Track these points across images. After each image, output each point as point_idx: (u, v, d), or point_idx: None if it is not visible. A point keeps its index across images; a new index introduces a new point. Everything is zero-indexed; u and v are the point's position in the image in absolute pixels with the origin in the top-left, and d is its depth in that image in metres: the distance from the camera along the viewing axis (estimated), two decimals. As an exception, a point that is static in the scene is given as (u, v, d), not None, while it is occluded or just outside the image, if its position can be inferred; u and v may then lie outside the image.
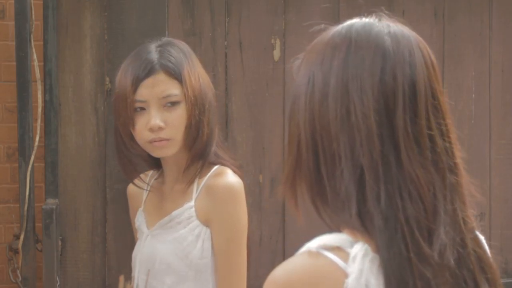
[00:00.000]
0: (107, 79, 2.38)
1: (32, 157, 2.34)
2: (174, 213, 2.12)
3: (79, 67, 2.38)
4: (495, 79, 2.63)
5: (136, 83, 2.10)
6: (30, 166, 2.33)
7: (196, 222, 2.09)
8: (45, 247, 2.30)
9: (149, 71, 2.10)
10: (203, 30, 2.44)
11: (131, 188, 2.28)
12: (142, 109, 2.10)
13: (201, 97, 2.12)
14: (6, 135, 2.69)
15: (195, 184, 2.13)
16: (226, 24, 2.45)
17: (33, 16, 2.36)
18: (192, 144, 2.11)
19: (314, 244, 1.12)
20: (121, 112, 2.11)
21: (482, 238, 1.20)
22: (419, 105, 1.13)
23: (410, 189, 1.11)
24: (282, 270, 1.11)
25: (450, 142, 1.16)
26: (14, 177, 2.67)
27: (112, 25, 2.38)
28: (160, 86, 2.09)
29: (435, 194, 1.13)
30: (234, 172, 2.13)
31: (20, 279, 2.37)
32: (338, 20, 1.24)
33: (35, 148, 2.35)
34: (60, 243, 2.36)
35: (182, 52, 2.15)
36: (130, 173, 2.22)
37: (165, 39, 2.21)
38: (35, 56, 2.36)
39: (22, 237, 2.34)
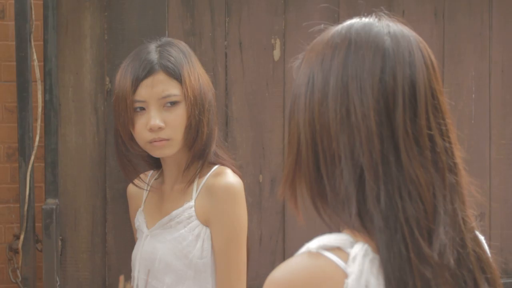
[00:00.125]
0: (107, 79, 2.38)
1: (32, 157, 2.34)
2: (174, 212, 2.12)
3: (79, 67, 2.38)
4: (495, 79, 2.63)
5: (136, 83, 2.10)
6: (30, 166, 2.33)
7: (195, 222, 2.10)
8: (45, 247, 2.30)
9: (149, 71, 2.10)
10: (203, 30, 2.44)
11: (131, 188, 2.28)
12: (142, 109, 2.11)
13: (200, 97, 2.12)
14: (6, 135, 2.69)
15: (194, 184, 2.13)
16: (226, 24, 2.45)
17: (33, 16, 2.36)
18: (191, 144, 2.12)
19: (314, 244, 1.12)
20: (120, 112, 2.11)
21: (482, 238, 1.20)
22: (419, 105, 1.13)
23: (410, 189, 1.11)
24: (282, 271, 1.11)
25: (450, 142, 1.16)
26: (14, 177, 2.67)
27: (112, 25, 2.38)
28: (159, 86, 2.09)
29: (435, 194, 1.13)
30: (234, 172, 2.13)
31: (20, 279, 2.37)
32: (338, 20, 1.25)
33: (35, 148, 2.35)
34: (60, 243, 2.36)
35: (181, 52, 2.16)
36: (130, 173, 2.22)
37: (164, 39, 2.22)
38: (35, 56, 2.36)
39: (22, 237, 2.34)
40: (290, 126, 1.20)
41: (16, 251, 2.37)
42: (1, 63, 2.70)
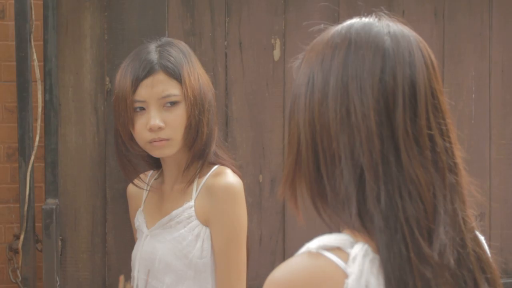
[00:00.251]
0: (107, 79, 2.38)
1: (32, 157, 2.34)
2: (174, 212, 2.12)
3: (79, 67, 2.38)
4: (495, 79, 2.63)
5: (136, 83, 2.10)
6: (30, 166, 2.33)
7: (195, 222, 2.10)
8: (45, 247, 2.30)
9: (149, 71, 2.10)
10: (203, 30, 2.44)
11: (130, 188, 2.28)
12: (142, 109, 2.11)
13: (200, 97, 2.12)
14: (6, 135, 2.69)
15: (194, 184, 2.13)
16: (226, 24, 2.45)
17: (33, 16, 2.36)
18: (191, 144, 2.12)
19: (314, 244, 1.12)
20: (120, 112, 2.11)
21: (482, 238, 1.20)
22: (419, 105, 1.13)
23: (410, 189, 1.11)
24: (282, 271, 1.11)
25: (450, 142, 1.16)
26: (14, 177, 2.67)
27: (112, 25, 2.38)
28: (159, 86, 2.09)
29: (435, 194, 1.13)
30: (234, 172, 2.13)
31: (20, 279, 2.37)
32: (338, 20, 1.25)
33: (35, 148, 2.35)
34: (60, 243, 2.36)
35: (181, 52, 2.16)
36: (130, 173, 2.22)
37: (164, 39, 2.22)
38: (35, 56, 2.36)
39: (22, 237, 2.34)
40: (290, 126, 1.20)
41: (16, 251, 2.37)
42: (1, 63, 2.69)
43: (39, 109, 2.35)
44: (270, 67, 2.47)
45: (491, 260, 1.18)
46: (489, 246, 1.23)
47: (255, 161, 2.47)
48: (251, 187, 2.44)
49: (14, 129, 2.52)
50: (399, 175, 1.11)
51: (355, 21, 1.19)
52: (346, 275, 1.09)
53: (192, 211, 2.10)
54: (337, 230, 1.16)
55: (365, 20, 1.19)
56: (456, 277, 1.12)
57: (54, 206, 2.31)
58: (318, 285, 1.09)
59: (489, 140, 2.62)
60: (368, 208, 1.11)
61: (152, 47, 2.15)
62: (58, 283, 2.32)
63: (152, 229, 2.16)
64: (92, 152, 2.39)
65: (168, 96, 2.09)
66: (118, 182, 2.38)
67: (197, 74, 2.15)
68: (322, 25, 1.27)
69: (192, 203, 2.11)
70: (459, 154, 1.17)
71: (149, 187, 2.24)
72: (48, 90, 2.35)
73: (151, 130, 2.08)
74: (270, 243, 2.48)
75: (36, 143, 2.36)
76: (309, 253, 1.11)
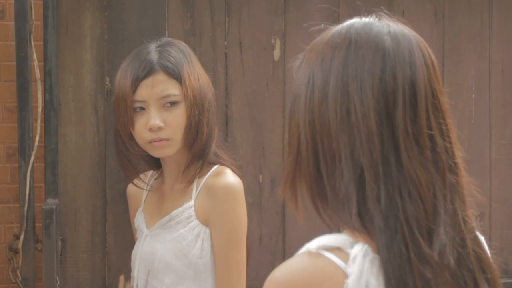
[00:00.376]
0: (107, 79, 2.38)
1: (32, 157, 2.34)
2: (174, 212, 2.12)
3: (79, 67, 2.38)
4: (495, 79, 2.63)
5: (136, 83, 2.10)
6: (30, 166, 2.33)
7: (195, 222, 2.10)
8: (45, 247, 2.30)
9: (149, 71, 2.10)
10: (203, 30, 2.44)
11: (130, 188, 2.28)
12: (142, 109, 2.11)
13: (200, 97, 2.12)
14: (6, 135, 2.69)
15: (194, 184, 2.13)
16: (226, 24, 2.45)
17: (33, 16, 2.36)
18: (191, 144, 2.12)
19: (314, 244, 1.11)
20: (120, 112, 2.11)
21: (482, 238, 1.20)
22: (419, 104, 1.13)
23: (410, 189, 1.11)
24: (282, 271, 1.11)
25: (450, 142, 1.16)
26: (14, 177, 2.67)
27: (112, 25, 2.38)
28: (159, 86, 2.09)
29: (435, 194, 1.13)
30: (234, 172, 2.13)
31: (20, 279, 2.37)
32: (338, 20, 1.25)
33: (35, 148, 2.35)
34: (60, 243, 2.36)
35: (181, 52, 2.16)
36: (130, 173, 2.22)
37: (164, 39, 2.21)
38: (35, 56, 2.36)
39: (22, 237, 2.34)
40: (290, 126, 1.20)
41: (16, 251, 2.37)
42: (1, 63, 2.69)
43: (39, 109, 2.35)
44: (270, 67, 2.47)
45: (491, 260, 1.18)
46: (489, 246, 1.23)
47: (255, 161, 2.47)
48: (251, 187, 2.44)
49: (14, 129, 2.52)
50: (399, 175, 1.11)
51: (355, 21, 1.19)
52: (346, 275, 1.09)
53: (192, 211, 2.10)
54: (337, 230, 1.16)
55: (365, 20, 1.19)
56: (456, 277, 1.12)
57: (54, 206, 2.31)
58: (318, 285, 1.09)
59: (489, 140, 2.62)
60: (368, 208, 1.11)
61: (152, 47, 2.15)
62: (58, 283, 2.32)
63: (152, 229, 2.16)
64: (92, 152, 2.39)
65: (168, 96, 2.09)
66: (118, 182, 2.38)
67: (197, 74, 2.15)
68: (322, 25, 1.27)
69: (192, 203, 2.11)
70: (459, 154, 1.17)
71: (149, 187, 2.24)
72: (48, 90, 2.35)
73: (151, 130, 2.08)
74: (270, 243, 2.48)
75: (36, 143, 2.36)
76: (309, 253, 1.11)
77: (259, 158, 2.47)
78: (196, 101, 2.11)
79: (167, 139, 2.09)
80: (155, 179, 2.26)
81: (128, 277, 2.21)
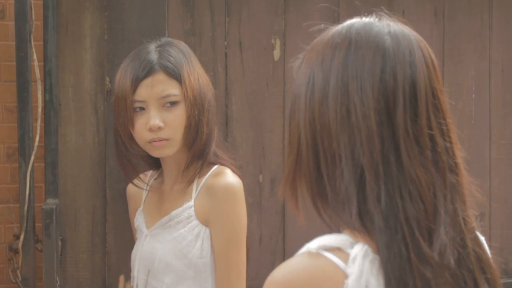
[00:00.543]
0: (107, 79, 2.38)
1: (32, 157, 2.34)
2: (174, 212, 2.12)
3: (79, 67, 2.38)
4: (495, 79, 2.63)
5: (136, 83, 2.10)
6: (30, 166, 2.33)
7: (195, 222, 2.10)
8: (45, 247, 2.30)
9: (149, 71, 2.10)
10: (203, 30, 2.44)
11: (130, 188, 2.28)
12: (142, 109, 2.11)
13: (200, 97, 2.12)
14: (6, 135, 2.69)
15: (194, 184, 2.13)
16: (226, 24, 2.45)
17: (33, 16, 2.36)
18: (191, 144, 2.12)
19: (314, 244, 1.11)
20: (120, 112, 2.11)
21: (482, 238, 1.20)
22: (419, 104, 1.13)
23: (410, 189, 1.11)
24: (282, 271, 1.11)
25: (450, 142, 1.16)
26: (14, 177, 2.67)
27: (112, 25, 2.38)
28: (159, 86, 2.09)
29: (436, 194, 1.12)
30: (233, 172, 2.13)
31: (20, 279, 2.37)
32: (338, 20, 1.25)
33: (35, 148, 2.35)
34: (60, 243, 2.36)
35: (181, 52, 2.16)
36: (130, 173, 2.22)
37: (164, 39, 2.21)
38: (35, 56, 2.36)
39: (22, 237, 2.34)
40: (291, 126, 1.20)
41: (16, 251, 2.37)
42: (1, 63, 2.69)
43: (39, 109, 2.35)
44: (270, 67, 2.47)
45: (491, 260, 1.18)
46: (489, 246, 1.23)
47: (255, 161, 2.47)
48: (251, 187, 2.44)
49: (14, 129, 2.52)
50: (399, 175, 1.11)
51: (355, 21, 1.19)
52: (346, 276, 1.09)
53: (191, 211, 2.10)
54: (337, 230, 1.16)
55: (366, 20, 1.19)
56: (456, 277, 1.12)
57: (54, 206, 2.31)
58: (318, 285, 1.09)
59: (489, 140, 2.62)
60: (369, 208, 1.11)
61: (152, 47, 2.15)
62: (58, 283, 2.32)
63: (151, 229, 2.16)
64: (92, 152, 2.39)
65: (168, 96, 2.09)
66: (118, 182, 2.38)
67: (197, 74, 2.15)
68: (322, 25, 1.27)
69: (191, 203, 2.11)
70: (460, 154, 1.17)
71: (148, 187, 2.24)
72: (48, 90, 2.35)
73: (150, 130, 2.08)
74: (270, 243, 2.48)
75: (36, 143, 2.36)
76: (309, 253, 1.11)
77: (259, 158, 2.47)
78: (196, 101, 2.11)
79: (167, 139, 2.09)
80: (155, 179, 2.26)
81: (128, 277, 2.21)
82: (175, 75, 2.10)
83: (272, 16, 2.47)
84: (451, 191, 1.14)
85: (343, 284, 1.08)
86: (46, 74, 2.35)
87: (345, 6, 2.48)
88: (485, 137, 2.62)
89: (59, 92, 2.37)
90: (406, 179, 1.11)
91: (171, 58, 2.12)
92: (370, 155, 1.11)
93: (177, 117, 2.09)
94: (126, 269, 2.29)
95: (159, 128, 2.08)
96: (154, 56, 2.12)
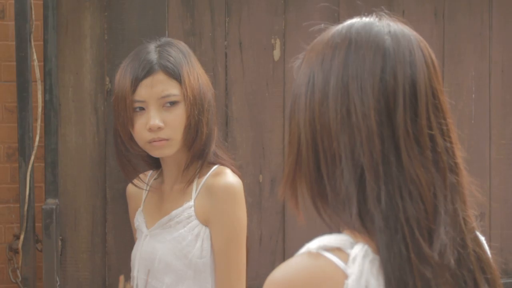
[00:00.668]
0: (107, 79, 2.38)
1: (32, 157, 2.34)
2: (174, 212, 2.12)
3: (79, 67, 2.38)
4: (495, 79, 2.63)
5: (135, 83, 2.10)
6: (30, 166, 2.33)
7: (195, 222, 2.10)
8: (45, 247, 2.30)
9: (148, 71, 2.10)
10: (203, 30, 2.44)
11: (130, 188, 2.28)
12: (142, 109, 2.11)
13: (200, 97, 2.12)
14: (6, 135, 2.68)
15: (194, 184, 2.13)
16: (226, 24, 2.45)
17: (33, 16, 2.36)
18: (191, 144, 2.12)
19: (314, 244, 1.11)
20: (120, 112, 2.11)
21: (482, 238, 1.20)
22: (419, 104, 1.13)
23: (410, 189, 1.11)
24: (282, 271, 1.11)
25: (451, 142, 1.16)
26: (14, 177, 2.67)
27: (112, 25, 2.38)
28: (159, 86, 2.09)
29: (436, 194, 1.12)
30: (233, 172, 2.13)
31: (20, 279, 2.37)
32: (338, 20, 1.25)
33: (35, 148, 2.35)
34: (60, 243, 2.36)
35: (181, 52, 2.16)
36: (130, 173, 2.22)
37: (164, 39, 2.21)
38: (35, 56, 2.36)
39: (22, 237, 2.34)
40: (291, 126, 1.20)
41: (16, 251, 2.37)
42: (1, 63, 2.69)
43: (39, 109, 2.35)
44: (270, 67, 2.47)
45: (491, 260, 1.18)
46: (489, 246, 1.23)
47: (255, 161, 2.47)
48: (251, 187, 2.44)
49: (14, 129, 2.52)
50: (399, 175, 1.11)
51: (355, 20, 1.19)
52: (346, 276, 1.09)
53: (191, 211, 2.10)
54: (337, 230, 1.16)
55: (366, 19, 1.19)
56: (456, 277, 1.12)
57: (54, 206, 2.31)
58: (318, 285, 1.09)
59: (489, 140, 2.62)
60: (369, 208, 1.11)
61: (152, 47, 2.15)
62: (58, 283, 2.32)
63: (151, 229, 2.16)
64: (92, 152, 2.39)
65: (168, 96, 2.09)
66: (118, 182, 2.38)
67: (196, 74, 2.15)
68: (322, 25, 1.27)
69: (191, 203, 2.11)
70: (460, 154, 1.17)
71: (148, 187, 2.24)
72: (48, 90, 2.35)
73: (150, 130, 2.08)
74: (270, 243, 2.48)
75: (36, 143, 2.36)
76: (309, 253, 1.11)
77: (259, 158, 2.47)
78: (195, 101, 2.11)
79: (167, 139, 2.09)
80: (154, 179, 2.26)
81: (128, 277, 2.21)
82: (175, 75, 2.10)
83: (272, 16, 2.47)
84: (451, 191, 1.14)
85: (343, 284, 1.08)
86: (46, 74, 2.35)
87: (345, 6, 2.48)
88: (485, 137, 2.62)
89: (59, 92, 2.37)
90: (406, 179, 1.11)
91: (171, 58, 2.12)
92: (370, 155, 1.11)
93: (177, 117, 2.09)
94: (126, 269, 2.29)
95: (159, 128, 2.08)
96: (154, 56, 2.12)
